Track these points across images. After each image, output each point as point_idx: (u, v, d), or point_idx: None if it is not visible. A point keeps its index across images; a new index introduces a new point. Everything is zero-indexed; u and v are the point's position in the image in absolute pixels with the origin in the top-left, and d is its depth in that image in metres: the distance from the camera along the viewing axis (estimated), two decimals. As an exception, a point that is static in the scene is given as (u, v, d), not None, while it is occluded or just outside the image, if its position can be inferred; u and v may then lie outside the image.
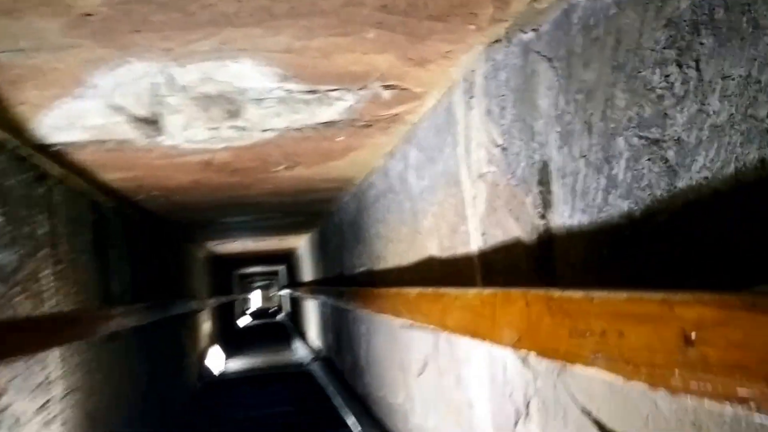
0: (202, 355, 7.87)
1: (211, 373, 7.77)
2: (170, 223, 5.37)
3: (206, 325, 8.79)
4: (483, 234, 1.87)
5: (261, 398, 5.98)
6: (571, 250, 1.39)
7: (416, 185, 2.69)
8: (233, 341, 12.04)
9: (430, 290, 2.02)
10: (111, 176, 3.12)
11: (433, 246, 2.47)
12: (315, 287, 7.32)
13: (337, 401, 5.07)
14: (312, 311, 9.01)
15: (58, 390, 2.47)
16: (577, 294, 1.03)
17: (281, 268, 17.91)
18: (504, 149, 1.68)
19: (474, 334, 1.53)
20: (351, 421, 4.36)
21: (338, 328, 6.02)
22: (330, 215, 5.63)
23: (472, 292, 1.57)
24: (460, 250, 2.10)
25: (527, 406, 1.54)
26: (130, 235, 4.23)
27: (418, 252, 2.72)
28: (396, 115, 2.59)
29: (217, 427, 5.11)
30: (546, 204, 1.48)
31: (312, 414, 5.23)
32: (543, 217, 1.50)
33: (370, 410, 4.21)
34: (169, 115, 2.29)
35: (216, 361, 8.26)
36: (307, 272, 9.09)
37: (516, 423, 1.62)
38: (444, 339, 2.40)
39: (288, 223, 6.23)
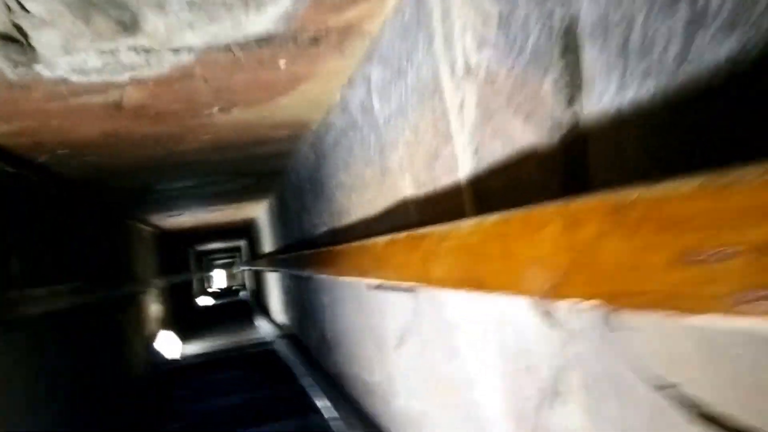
0: (150, 342, 7.35)
1: (163, 360, 7.28)
2: (97, 194, 4.79)
3: (155, 308, 8.24)
4: (475, 152, 1.42)
5: (221, 385, 5.53)
6: (619, 147, 0.94)
7: (382, 112, 2.22)
8: (192, 323, 11.53)
9: (403, 234, 1.57)
10: (-8, 127, 2.56)
11: (407, 185, 2.02)
12: (275, 258, 6.83)
13: (306, 381, 4.65)
14: (274, 285, 8.54)
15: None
16: (687, 185, 0.59)
17: (242, 243, 17.32)
18: (503, 20, 1.22)
19: (474, 284, 1.09)
20: (322, 404, 3.95)
21: (300, 301, 5.57)
22: (287, 174, 5.13)
23: (468, 224, 1.12)
24: (444, 181, 1.65)
25: (560, 381, 1.11)
26: (40, 207, 3.67)
27: (388, 196, 2.26)
28: (350, 25, 2.11)
29: (169, 424, 4.64)
30: (574, 83, 1.03)
31: (279, 398, 4.81)
32: (570, 104, 1.05)
33: (343, 391, 3.79)
34: (36, 30, 1.75)
35: (169, 346, 7.76)
36: (268, 244, 8.58)
37: (542, 406, 1.19)
38: (427, 298, 1.96)
39: (241, 188, 5.70)
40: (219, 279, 31.96)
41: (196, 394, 5.33)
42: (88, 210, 4.94)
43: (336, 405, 3.67)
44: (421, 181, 1.86)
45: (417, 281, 1.44)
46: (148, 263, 8.14)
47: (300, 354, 5.56)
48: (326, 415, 3.76)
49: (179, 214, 7.48)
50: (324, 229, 3.77)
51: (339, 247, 2.82)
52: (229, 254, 24.63)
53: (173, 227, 9.35)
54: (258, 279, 13.47)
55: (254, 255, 12.50)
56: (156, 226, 8.65)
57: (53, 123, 2.67)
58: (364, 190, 2.61)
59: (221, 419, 4.44)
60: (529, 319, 1.20)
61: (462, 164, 1.51)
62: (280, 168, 4.91)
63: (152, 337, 7.55)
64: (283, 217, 6.17)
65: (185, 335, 9.84)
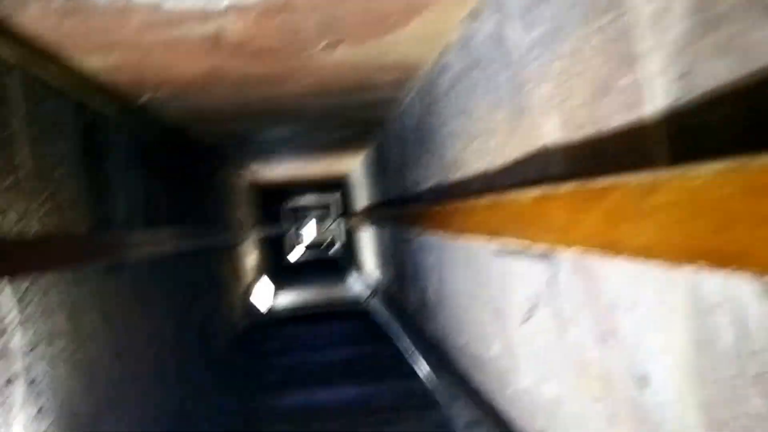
0: (248, 291, 7.41)
1: (257, 310, 7.33)
2: (199, 141, 4.71)
3: (251, 260, 8.32)
4: (680, 77, 1.06)
5: (314, 340, 5.44)
6: None
7: (519, 43, 1.86)
8: (284, 277, 11.68)
9: (567, 187, 1.23)
10: (88, 61, 2.41)
11: (552, 128, 1.67)
12: (371, 214, 6.63)
13: (403, 344, 4.44)
14: (368, 242, 8.39)
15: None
16: None
17: (334, 198, 17.39)
18: None
19: (715, 258, 0.75)
20: (422, 369, 3.72)
21: (400, 260, 5.34)
22: (388, 125, 4.84)
23: (710, 169, 0.77)
24: (616, 120, 1.29)
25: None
26: (144, 151, 3.58)
27: (522, 143, 1.92)
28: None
29: (265, 376, 4.58)
30: None
31: (374, 359, 4.63)
32: None
33: (445, 360, 3.54)
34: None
35: (263, 298, 7.82)
36: (362, 199, 8.41)
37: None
38: (569, 268, 1.63)
39: (339, 140, 5.49)
40: (310, 233, 32.63)
41: (289, 348, 5.27)
42: (189, 157, 4.89)
43: (437, 373, 3.43)
44: (576, 123, 1.51)
45: (593, 247, 1.11)
46: (244, 215, 8.19)
47: (396, 315, 5.36)
48: (427, 382, 3.53)
49: (275, 167, 7.42)
50: (430, 183, 3.47)
51: (454, 204, 2.52)
52: (321, 209, 24.96)
53: (268, 180, 9.37)
54: (350, 235, 13.46)
55: (347, 211, 12.45)
56: (252, 178, 8.67)
57: (153, 57, 2.49)
58: (488, 138, 2.27)
59: (317, 375, 4.32)
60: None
61: (652, 96, 1.15)
62: (381, 118, 4.63)
63: (248, 288, 7.62)
64: (381, 170, 5.92)
65: (277, 288, 9.96)
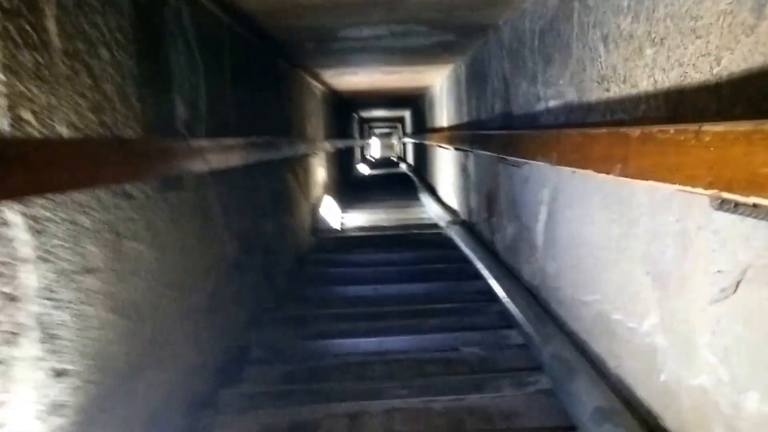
0: (316, 207, 7.00)
1: (326, 226, 6.93)
2: (274, 37, 4.12)
3: (321, 173, 7.86)
4: None
5: (390, 271, 4.97)
6: None
7: None
8: (352, 191, 11.25)
9: None
10: None
11: None
12: (457, 134, 5.97)
13: (495, 285, 3.90)
14: (447, 164, 7.76)
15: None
16: None
17: (406, 114, 16.66)
18: None
19: None
20: (522, 319, 3.19)
21: (491, 189, 4.74)
22: (496, 30, 4.13)
23: None
24: None
25: None
26: (210, 44, 3.04)
27: (759, 49, 1.27)
28: None
29: (331, 307, 4.17)
30: None
31: (464, 299, 4.14)
32: None
33: (553, 315, 2.99)
34: None
35: (332, 214, 7.40)
36: (444, 116, 7.73)
37: None
38: None
39: (432, 46, 4.79)
40: (376, 149, 32.07)
41: (361, 277, 4.84)
42: (262, 57, 4.33)
43: (542, 330, 2.89)
44: None
45: None
46: (317, 124, 7.67)
47: (483, 250, 4.81)
48: (531, 336, 3.00)
49: (354, 73, 6.79)
50: (555, 102, 2.82)
51: (598, 130, 1.89)
52: (390, 123, 24.27)
53: (343, 88, 8.75)
54: (422, 154, 12.83)
55: (420, 127, 11.76)
56: (327, 84, 8.08)
57: None
58: (683, 41, 1.61)
59: (398, 313, 3.88)
60: None
61: None
62: (488, 21, 3.92)
63: (318, 202, 7.21)
64: (475, 85, 5.23)
65: (347, 204, 9.55)
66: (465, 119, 5.92)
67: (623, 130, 1.65)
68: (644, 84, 1.85)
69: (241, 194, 3.64)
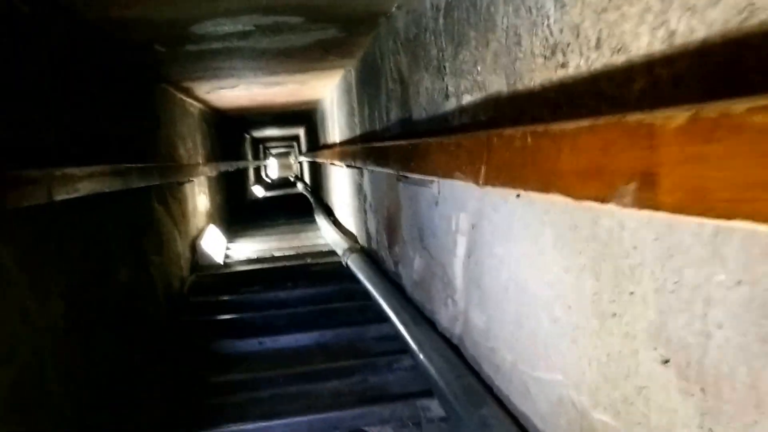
0: (196, 240, 5.94)
1: (210, 261, 5.88)
2: (107, 33, 3.12)
3: (202, 200, 6.80)
4: None
5: (277, 316, 4.05)
6: None
7: None
8: (244, 217, 10.17)
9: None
10: None
11: None
12: (349, 149, 5.14)
13: (409, 338, 3.08)
14: (342, 183, 6.93)
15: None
16: None
17: (301, 131, 15.72)
18: None
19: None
20: (454, 401, 2.37)
21: (392, 212, 3.94)
22: (389, 18, 3.34)
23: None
24: None
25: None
26: (49, 53, 2.06)
27: None
28: None
29: (204, 370, 3.22)
30: None
31: (365, 354, 3.30)
32: None
33: (489, 388, 2.20)
34: None
35: (216, 247, 6.35)
36: (336, 130, 6.90)
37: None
38: None
39: (313, 45, 3.93)
40: (273, 169, 30.83)
41: (251, 324, 3.88)
42: (108, 64, 3.32)
43: (475, 409, 2.08)
44: None
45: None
46: (194, 147, 6.61)
47: (387, 284, 3.99)
48: (458, 412, 2.19)
49: (231, 87, 5.82)
50: (476, 97, 2.04)
51: (577, 124, 1.11)
52: (285, 143, 23.22)
53: (225, 105, 7.74)
54: (317, 173, 11.94)
55: (314, 145, 10.89)
56: (205, 102, 7.04)
57: None
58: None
59: (292, 377, 2.97)
60: None
61: None
62: (378, 8, 3.12)
63: (200, 234, 6.15)
64: (367, 91, 4.43)
65: (237, 231, 8.48)
66: (357, 131, 5.11)
67: (640, 117, 0.85)
68: (643, 44, 1.08)
69: (69, 239, 2.62)
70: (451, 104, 2.30)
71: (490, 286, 2.10)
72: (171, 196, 5.19)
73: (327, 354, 3.33)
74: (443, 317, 2.86)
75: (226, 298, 4.60)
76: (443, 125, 2.42)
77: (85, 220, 2.85)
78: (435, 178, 2.50)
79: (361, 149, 4.30)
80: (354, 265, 4.95)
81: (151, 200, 4.48)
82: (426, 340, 2.79)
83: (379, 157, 3.51)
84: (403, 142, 2.85)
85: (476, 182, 1.55)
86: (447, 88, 2.34)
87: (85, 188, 2.62)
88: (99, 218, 3.06)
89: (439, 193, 2.62)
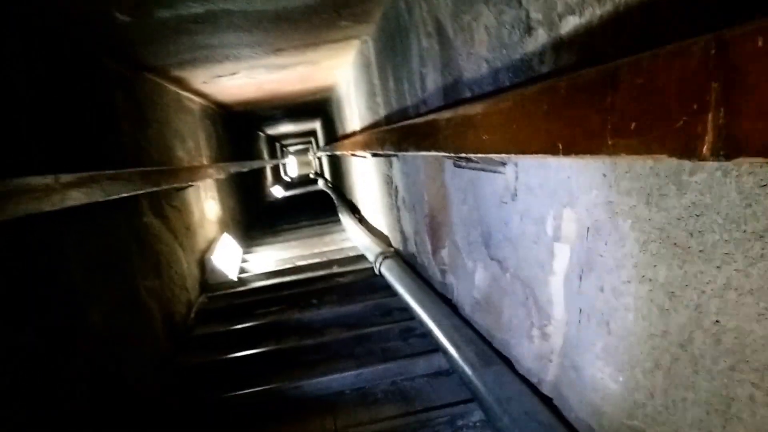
0: (205, 254, 5.20)
1: (222, 278, 5.12)
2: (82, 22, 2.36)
3: (212, 207, 6.06)
4: None
5: (303, 348, 3.27)
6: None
7: None
8: (263, 221, 9.45)
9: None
10: None
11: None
12: (373, 135, 4.31)
13: (479, 384, 2.28)
14: (367, 176, 6.12)
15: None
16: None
17: (317, 125, 14.94)
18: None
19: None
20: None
21: (436, 208, 3.12)
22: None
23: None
24: None
25: None
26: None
27: None
28: None
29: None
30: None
31: (422, 407, 2.52)
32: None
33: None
34: None
35: (230, 260, 5.59)
36: (355, 116, 6.09)
37: None
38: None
39: (320, 3, 3.12)
40: (293, 167, 30.18)
41: (268, 362, 3.12)
42: (55, 45, 2.56)
43: None
44: None
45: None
46: (196, 148, 5.87)
47: (433, 300, 3.19)
48: None
49: (231, 74, 5.04)
50: (537, 43, 1.22)
51: None
52: (302, 139, 22.48)
53: (232, 99, 6.98)
54: (338, 167, 11.16)
55: (332, 137, 10.09)
56: (206, 96, 6.29)
57: None
58: None
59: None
60: None
61: None
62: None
63: (209, 247, 5.40)
64: (390, 59, 3.62)
65: (255, 238, 7.74)
66: (381, 113, 4.29)
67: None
68: None
69: (73, 248, 1.89)
70: (538, 40, 1.48)
71: (633, 330, 1.28)
72: (169, 206, 4.45)
73: (367, 405, 2.54)
74: (525, 354, 2.05)
75: (239, 326, 3.82)
76: (523, 75, 1.59)
77: (21, 251, 2.09)
78: (512, 158, 1.69)
79: (388, 132, 3.48)
80: (389, 273, 4.15)
81: (141, 213, 3.74)
82: (506, 392, 1.97)
83: (414, 139, 2.70)
84: (449, 113, 2.03)
85: (689, 151, 0.73)
86: (528, 17, 1.52)
87: (22, 207, 1.86)
88: (46, 246, 2.31)
89: (517, 179, 1.80)
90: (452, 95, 2.40)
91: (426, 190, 3.31)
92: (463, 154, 1.92)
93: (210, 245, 5.52)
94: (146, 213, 3.86)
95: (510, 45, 1.67)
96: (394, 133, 3.25)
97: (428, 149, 2.45)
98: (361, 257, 5.39)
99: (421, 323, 3.22)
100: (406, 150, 2.99)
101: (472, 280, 2.63)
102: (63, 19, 2.54)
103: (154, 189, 3.56)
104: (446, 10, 2.28)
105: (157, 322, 3.55)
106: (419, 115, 3.01)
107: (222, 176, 6.75)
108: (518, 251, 1.92)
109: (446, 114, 2.01)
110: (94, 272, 2.74)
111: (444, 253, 3.18)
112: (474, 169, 2.06)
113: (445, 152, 1.97)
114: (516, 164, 1.77)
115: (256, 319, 3.94)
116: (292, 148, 27.82)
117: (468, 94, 2.22)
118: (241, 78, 5.40)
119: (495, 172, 1.90)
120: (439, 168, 2.91)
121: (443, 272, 3.30)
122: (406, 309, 3.70)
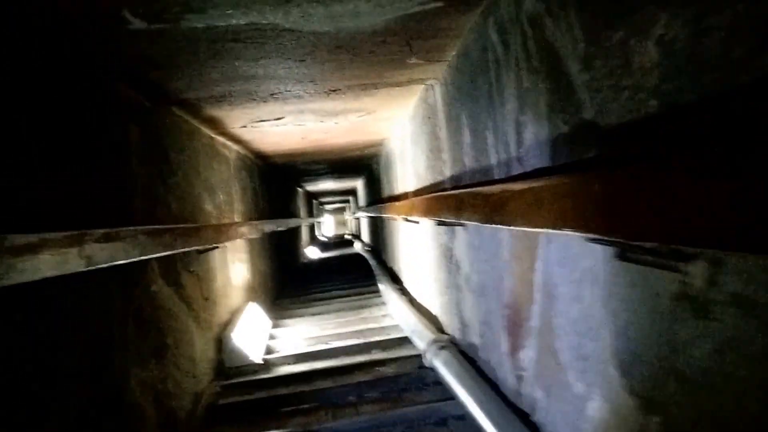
0: (226, 331, 4.57)
1: (244, 360, 4.46)
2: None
3: (239, 271, 5.48)
4: None
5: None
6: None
7: None
8: (296, 286, 8.86)
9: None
10: None
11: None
12: (432, 199, 3.68)
13: None
14: (419, 246, 5.46)
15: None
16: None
17: (358, 183, 14.51)
18: None
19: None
20: None
21: (520, 297, 2.45)
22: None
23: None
24: None
25: None
26: None
27: None
28: None
29: None
30: None
31: None
32: None
33: None
34: None
35: (254, 337, 4.94)
36: (409, 175, 5.51)
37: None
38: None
39: (390, 29, 2.59)
40: (329, 227, 29.82)
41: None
42: (53, 60, 2.05)
43: None
44: None
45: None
46: (229, 202, 5.36)
47: (506, 418, 2.49)
48: None
49: (276, 118, 4.56)
50: None
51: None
52: (341, 197, 22.13)
53: (273, 149, 6.53)
54: (379, 231, 10.58)
55: (376, 197, 9.55)
56: (244, 143, 5.83)
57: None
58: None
59: None
60: None
61: None
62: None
63: (230, 322, 4.78)
64: (466, 104, 3.04)
65: (286, 307, 7.12)
66: (447, 172, 3.68)
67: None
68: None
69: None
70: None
71: None
72: (187, 272, 3.87)
73: None
74: None
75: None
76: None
77: (68, 316, 1.50)
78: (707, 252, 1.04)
79: (456, 197, 2.86)
80: (445, 368, 3.45)
81: (149, 282, 3.16)
82: None
83: (491, 206, 2.07)
84: (579, 178, 1.39)
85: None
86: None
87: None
88: (85, 314, 1.72)
89: (714, 285, 1.14)
90: (566, 151, 1.78)
91: (508, 274, 2.65)
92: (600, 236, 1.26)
93: (232, 318, 4.90)
94: (155, 281, 3.28)
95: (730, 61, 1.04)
96: (463, 198, 2.63)
97: (511, 224, 1.81)
98: (406, 340, 4.69)
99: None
100: (478, 219, 2.35)
101: (580, 409, 1.93)
102: (53, 19, 2.02)
103: (167, 253, 2.98)
104: (569, 36, 1.68)
105: (150, 427, 2.90)
106: (505, 177, 2.39)
107: (256, 236, 6.21)
108: (707, 397, 1.23)
109: (545, 182, 1.37)
110: (56, 370, 2.12)
111: (526, 356, 2.49)
112: (630, 259, 1.39)
113: (582, 231, 1.32)
114: (716, 262, 1.11)
115: (282, 424, 3.25)
116: (329, 206, 27.54)
117: (592, 153, 1.59)
118: (286, 125, 4.92)
119: (667, 268, 1.23)
120: (531, 247, 2.26)
121: (521, 379, 2.60)
122: (464, 417, 3.02)
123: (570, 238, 1.83)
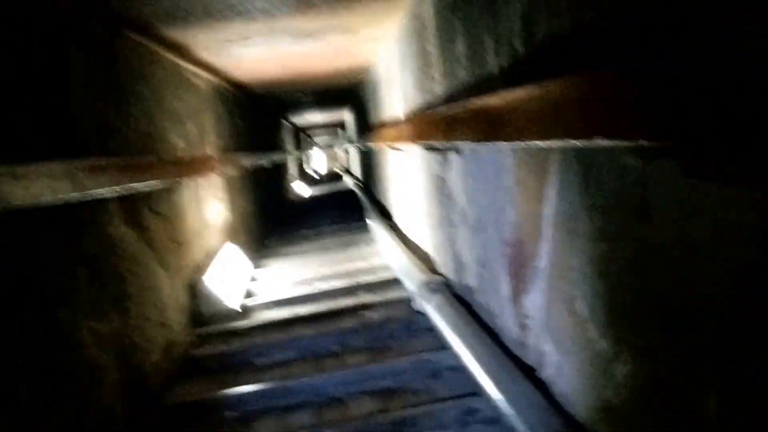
0: (197, 275, 4.22)
1: (219, 307, 4.14)
2: None
3: (215, 209, 5.11)
4: None
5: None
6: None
7: None
8: (281, 224, 8.52)
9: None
10: None
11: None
12: (424, 120, 3.28)
13: None
14: (409, 176, 5.08)
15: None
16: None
17: (346, 113, 13.98)
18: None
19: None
20: None
21: (525, 233, 2.10)
22: None
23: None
24: None
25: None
26: None
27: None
28: None
29: None
30: None
31: None
32: None
33: None
34: None
35: (231, 280, 4.62)
36: (398, 98, 5.08)
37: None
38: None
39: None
40: (320, 162, 29.29)
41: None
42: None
43: None
44: None
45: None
46: (203, 133, 4.94)
47: (511, 376, 2.19)
48: None
49: (245, 38, 4.09)
50: None
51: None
52: (331, 130, 21.57)
53: (250, 77, 6.06)
54: (369, 163, 10.17)
55: (365, 127, 9.10)
56: (219, 73, 5.37)
57: None
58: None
59: None
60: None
61: None
62: None
63: (203, 264, 4.44)
64: (471, 10, 2.61)
65: (269, 247, 6.80)
66: (438, 90, 3.27)
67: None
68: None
69: None
70: None
71: None
72: (152, 212, 3.50)
73: None
74: None
75: (231, 392, 2.85)
76: None
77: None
78: None
79: (448, 116, 2.46)
80: (438, 314, 3.14)
81: (104, 223, 2.80)
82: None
83: (495, 122, 1.70)
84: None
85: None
86: None
87: None
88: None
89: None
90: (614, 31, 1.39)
91: (511, 205, 2.29)
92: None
93: (206, 261, 4.56)
94: (113, 223, 2.92)
95: None
96: (461, 115, 2.24)
97: (509, 139, 1.44)
98: (396, 281, 4.39)
99: (489, 400, 2.26)
100: (475, 139, 1.98)
101: (604, 370, 1.61)
102: None
103: (115, 190, 2.60)
104: None
105: (109, 386, 2.59)
106: (508, 85, 2.00)
107: (233, 171, 5.80)
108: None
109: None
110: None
111: (532, 302, 2.16)
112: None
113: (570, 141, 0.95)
114: None
115: (259, 377, 2.96)
116: (319, 140, 26.95)
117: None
118: (258, 46, 4.44)
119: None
120: (540, 170, 1.90)
121: (525, 328, 2.29)
122: (459, 370, 2.73)
123: (596, 152, 1.46)
